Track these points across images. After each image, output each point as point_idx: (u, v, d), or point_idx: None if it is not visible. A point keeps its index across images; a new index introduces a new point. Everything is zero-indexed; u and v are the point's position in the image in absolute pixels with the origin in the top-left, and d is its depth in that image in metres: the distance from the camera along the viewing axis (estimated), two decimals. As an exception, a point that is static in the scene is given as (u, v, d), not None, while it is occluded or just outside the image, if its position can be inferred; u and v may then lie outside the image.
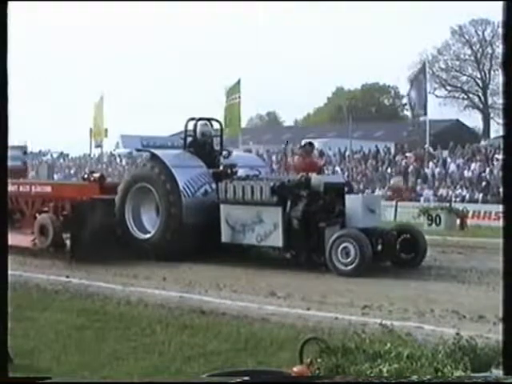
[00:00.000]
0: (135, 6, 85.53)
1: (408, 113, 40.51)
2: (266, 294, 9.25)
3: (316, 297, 8.95)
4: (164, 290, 9.69)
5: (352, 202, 11.26)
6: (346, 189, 11.89)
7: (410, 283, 10.14)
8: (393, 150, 36.95)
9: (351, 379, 3.50)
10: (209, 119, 14.16)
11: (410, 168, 30.32)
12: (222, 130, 14.42)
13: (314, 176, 12.05)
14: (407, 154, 32.70)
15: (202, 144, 13.43)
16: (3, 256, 3.09)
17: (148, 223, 12.99)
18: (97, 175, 14.35)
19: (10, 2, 2.89)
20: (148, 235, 12.77)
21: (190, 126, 13.66)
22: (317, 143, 42.01)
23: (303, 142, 14.50)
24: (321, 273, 10.81)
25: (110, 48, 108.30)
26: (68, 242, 12.63)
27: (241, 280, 10.37)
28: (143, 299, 8.79)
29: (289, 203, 11.33)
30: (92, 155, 45.11)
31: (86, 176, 14.59)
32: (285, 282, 10.16)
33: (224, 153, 13.73)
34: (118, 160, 45.73)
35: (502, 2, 3.59)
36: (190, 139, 13.62)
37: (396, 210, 26.04)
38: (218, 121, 14.57)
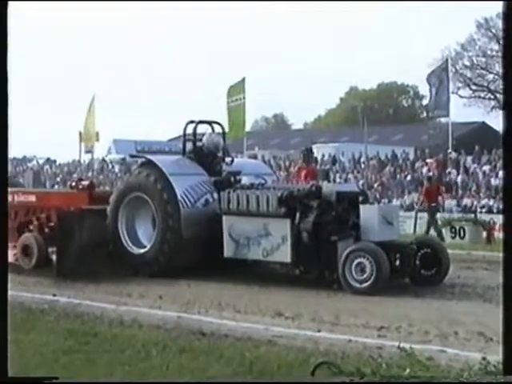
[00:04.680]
0: (130, 3, 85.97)
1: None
2: (273, 314, 9.25)
3: (328, 317, 8.95)
4: (160, 309, 9.70)
5: (367, 213, 11.26)
6: (360, 198, 11.91)
7: (431, 302, 10.13)
8: (412, 156, 36.98)
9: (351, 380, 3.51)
10: (210, 122, 14.20)
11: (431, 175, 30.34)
12: (224, 133, 14.45)
13: (325, 184, 12.06)
14: (428, 160, 32.70)
15: (206, 151, 13.42)
16: (3, 256, 3.18)
17: (143, 237, 13.01)
18: (86, 183, 14.37)
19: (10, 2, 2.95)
20: (143, 250, 12.80)
21: (190, 130, 13.70)
22: (329, 148, 42.30)
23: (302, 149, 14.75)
24: (333, 291, 10.81)
25: (102, 46, 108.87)
26: (54, 257, 12.65)
27: (244, 298, 10.37)
28: (137, 319, 8.79)
29: (298, 214, 11.34)
30: (82, 161, 45.23)
31: (73, 184, 14.60)
32: (293, 301, 10.16)
33: (227, 159, 13.76)
34: (110, 167, 45.83)
35: (501, 2, 3.72)
36: (189, 144, 13.67)
37: (416, 222, 26.03)
38: (220, 124, 14.61)
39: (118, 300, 10.39)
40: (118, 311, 9.48)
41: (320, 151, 41.30)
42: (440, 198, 22.49)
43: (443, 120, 37.73)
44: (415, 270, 11.43)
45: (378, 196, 29.83)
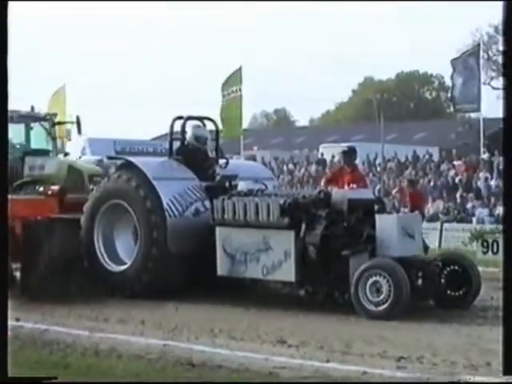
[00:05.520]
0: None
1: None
2: (274, 341, 9.26)
3: (338, 345, 8.96)
4: (143, 336, 9.70)
5: (384, 224, 11.29)
6: (376, 207, 11.92)
7: (459, 328, 10.15)
8: (437, 157, 37.01)
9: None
10: (201, 118, 14.23)
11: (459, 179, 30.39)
12: (217, 131, 14.48)
13: (335, 191, 12.07)
14: (455, 162, 32.75)
15: (194, 150, 13.47)
16: (3, 256, 4.18)
17: (123, 252, 13.05)
18: (56, 188, 14.37)
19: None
20: (123, 267, 12.82)
21: (177, 127, 13.72)
22: (339, 148, 42.21)
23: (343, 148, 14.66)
24: (344, 314, 10.83)
25: (72, 30, 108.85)
26: (18, 275, 12.64)
27: (241, 323, 10.39)
28: (116, 348, 8.81)
29: (303, 226, 11.35)
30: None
31: (41, 189, 14.57)
32: (298, 327, 10.19)
33: (221, 161, 13.78)
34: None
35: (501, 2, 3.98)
36: (177, 143, 13.68)
37: (441, 234, 26.05)
38: (212, 120, 14.64)
39: (92, 326, 10.39)
40: (93, 339, 9.48)
41: (329, 152, 41.30)
42: (423, 206, 22.64)
43: (473, 115, 37.78)
44: (440, 290, 11.45)
45: (396, 204, 29.82)
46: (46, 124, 16.70)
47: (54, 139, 16.62)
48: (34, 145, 16.33)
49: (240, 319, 10.74)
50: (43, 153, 16.08)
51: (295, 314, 11.09)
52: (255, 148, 46.29)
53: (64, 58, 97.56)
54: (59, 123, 17.47)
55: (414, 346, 8.85)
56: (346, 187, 13.06)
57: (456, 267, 11.62)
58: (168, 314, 11.26)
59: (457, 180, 30.64)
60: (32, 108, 16.47)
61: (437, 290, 11.41)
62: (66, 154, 17.92)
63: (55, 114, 17.03)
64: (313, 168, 38.04)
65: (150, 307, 11.64)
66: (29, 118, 16.40)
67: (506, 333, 3.01)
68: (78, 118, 17.16)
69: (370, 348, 8.80)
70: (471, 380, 7.12)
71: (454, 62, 32.93)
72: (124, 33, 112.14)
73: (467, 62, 32.50)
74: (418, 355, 8.41)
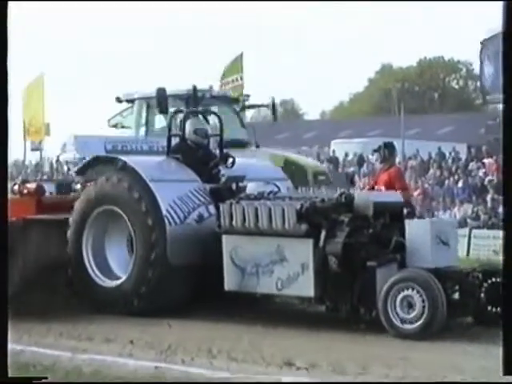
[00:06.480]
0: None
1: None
2: (281, 362, 9.22)
3: (353, 367, 8.93)
4: (132, 357, 9.73)
5: (416, 231, 11.22)
6: (405, 211, 11.84)
7: (495, 350, 9.98)
8: (465, 155, 37.09)
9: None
10: (203, 112, 14.30)
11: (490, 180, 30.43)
12: (222, 126, 14.44)
13: (358, 193, 12.01)
14: (485, 160, 32.81)
15: (195, 147, 13.43)
16: (3, 255, 4.34)
17: (117, 264, 13.01)
18: (32, 186, 14.39)
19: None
20: (117, 282, 12.76)
21: (177, 122, 13.69)
22: (354, 145, 42.42)
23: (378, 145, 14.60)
24: (360, 333, 10.80)
25: (54, 14, 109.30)
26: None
27: (243, 342, 10.36)
28: (101, 371, 8.85)
29: (323, 233, 11.28)
30: (27, 162, 45.18)
31: (16, 187, 14.52)
32: (307, 346, 10.16)
33: (228, 160, 13.74)
34: (65, 169, 45.82)
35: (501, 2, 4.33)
36: (176, 140, 13.62)
37: (470, 242, 26.14)
38: (215, 114, 14.63)
39: (75, 345, 10.41)
40: (76, 361, 9.49)
41: (342, 149, 41.46)
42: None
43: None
44: (480, 305, 11.36)
45: (418, 207, 29.86)
46: (236, 107, 16.30)
47: (243, 126, 16.00)
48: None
49: (242, 337, 10.68)
50: (237, 144, 15.61)
51: (304, 332, 11.06)
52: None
53: (55, 52, 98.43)
54: (251, 107, 16.69)
55: (441, 368, 8.78)
56: (382, 188, 13.02)
57: (498, 279, 11.48)
58: (160, 331, 11.23)
59: (487, 181, 30.69)
60: (211, 88, 16.18)
61: (476, 306, 11.32)
62: (257, 146, 17.28)
63: (248, 96, 16.36)
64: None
65: (141, 324, 11.60)
66: (220, 100, 16.11)
67: (506, 333, 3.05)
68: (273, 99, 16.45)
69: (389, 370, 8.76)
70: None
71: (484, 44, 32.91)
72: (119, 31, 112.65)
73: (499, 45, 32.43)
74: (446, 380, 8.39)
